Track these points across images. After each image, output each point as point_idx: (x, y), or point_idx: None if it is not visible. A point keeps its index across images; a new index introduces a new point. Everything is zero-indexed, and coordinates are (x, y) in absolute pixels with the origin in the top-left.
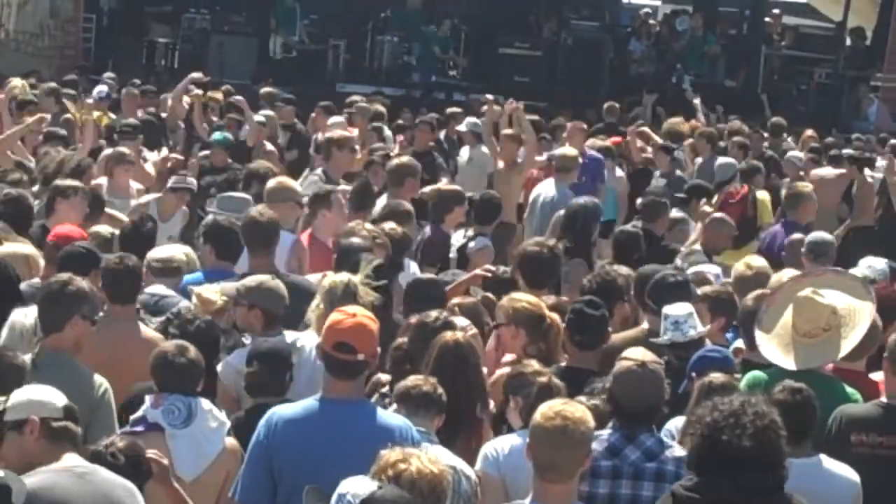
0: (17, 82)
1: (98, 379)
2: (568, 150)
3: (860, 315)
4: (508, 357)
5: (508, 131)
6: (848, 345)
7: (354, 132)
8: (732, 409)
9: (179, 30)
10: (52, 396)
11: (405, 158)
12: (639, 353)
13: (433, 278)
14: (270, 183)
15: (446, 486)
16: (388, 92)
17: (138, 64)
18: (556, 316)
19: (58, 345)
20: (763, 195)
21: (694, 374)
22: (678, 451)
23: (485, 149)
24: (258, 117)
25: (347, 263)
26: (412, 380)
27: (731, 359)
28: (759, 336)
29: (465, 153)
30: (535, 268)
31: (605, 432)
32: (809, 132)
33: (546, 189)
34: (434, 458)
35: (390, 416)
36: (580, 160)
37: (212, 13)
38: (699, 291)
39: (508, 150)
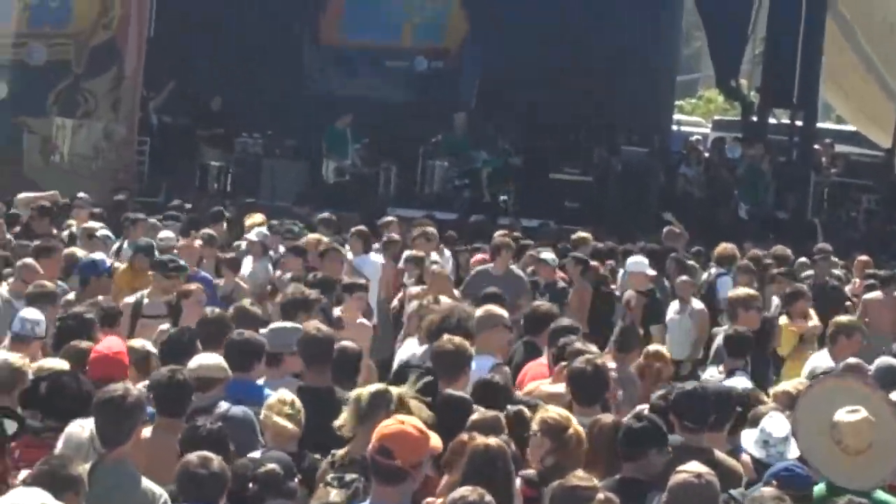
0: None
1: (158, 490)
2: None
3: (891, 424)
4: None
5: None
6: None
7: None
8: None
9: (232, 153)
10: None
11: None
12: (694, 465)
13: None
14: (479, 312)
15: None
16: (438, 216)
17: (191, 186)
18: (580, 429)
19: (121, 456)
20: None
21: (775, 482)
22: None
23: None
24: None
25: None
26: (460, 492)
27: (812, 480)
28: (802, 450)
29: None
30: (582, 385)
31: None
32: (864, 258)
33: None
34: None
35: None
36: None
37: (264, 137)
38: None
39: None
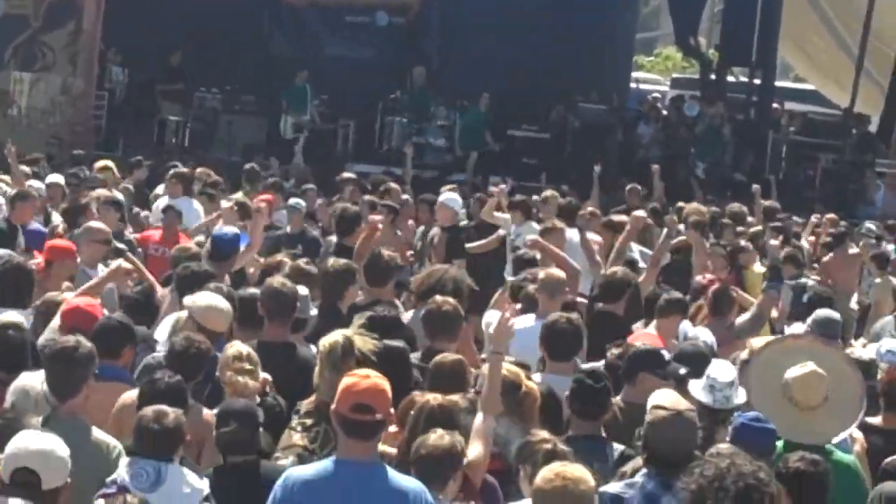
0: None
1: (112, 442)
2: None
3: (849, 380)
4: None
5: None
6: (852, 416)
7: None
8: (716, 472)
9: (190, 108)
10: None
11: None
12: (671, 400)
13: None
14: (542, 275)
15: None
16: (396, 172)
17: (149, 141)
18: (533, 385)
19: (74, 409)
20: (757, 269)
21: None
22: None
23: None
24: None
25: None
26: (424, 439)
27: (774, 431)
28: (756, 408)
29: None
30: (556, 340)
31: (639, 479)
32: (830, 216)
33: None
34: None
35: (405, 480)
36: None
37: (222, 93)
38: None
39: None
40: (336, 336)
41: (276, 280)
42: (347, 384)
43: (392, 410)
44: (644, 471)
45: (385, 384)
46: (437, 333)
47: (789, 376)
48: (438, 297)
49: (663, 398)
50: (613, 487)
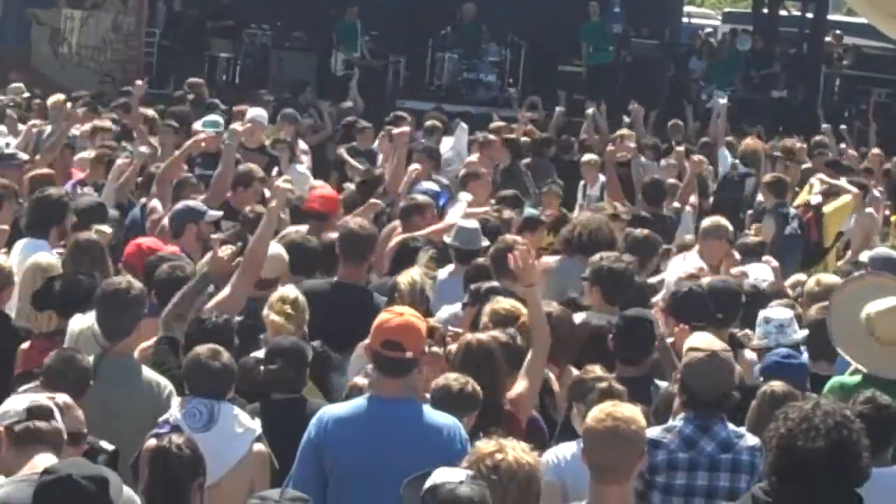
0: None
1: (163, 381)
2: None
3: None
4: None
5: None
6: None
7: None
8: (803, 414)
9: (241, 45)
10: (10, 404)
11: None
12: (706, 342)
13: None
14: (706, 222)
15: (541, 476)
16: (447, 108)
17: (199, 78)
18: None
19: (125, 350)
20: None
21: (761, 378)
22: (751, 440)
23: None
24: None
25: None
26: (443, 379)
27: (806, 367)
28: (837, 343)
29: None
30: (612, 283)
31: (678, 423)
32: (876, 151)
33: None
34: (527, 448)
35: (439, 416)
36: None
37: (273, 29)
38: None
39: None
40: (414, 274)
41: (354, 221)
42: (381, 320)
43: (426, 349)
44: (682, 414)
45: (419, 322)
46: (505, 273)
47: (872, 311)
48: (507, 237)
49: (698, 340)
50: (652, 432)
